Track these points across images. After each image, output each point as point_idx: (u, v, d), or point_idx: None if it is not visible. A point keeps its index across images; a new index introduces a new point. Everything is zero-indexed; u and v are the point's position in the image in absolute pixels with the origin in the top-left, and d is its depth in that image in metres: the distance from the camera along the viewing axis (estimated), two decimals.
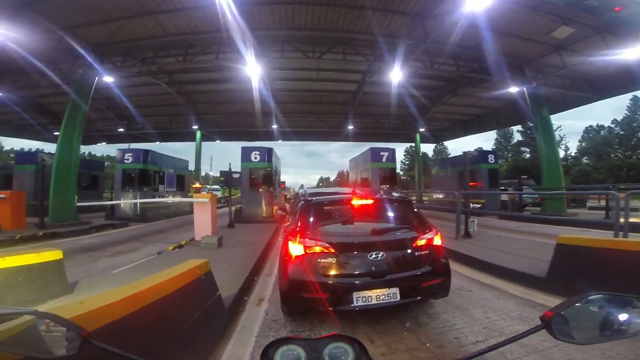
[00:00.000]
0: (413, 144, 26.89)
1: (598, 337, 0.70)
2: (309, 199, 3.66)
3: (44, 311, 0.66)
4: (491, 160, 15.45)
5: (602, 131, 43.43)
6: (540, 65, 12.59)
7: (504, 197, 14.60)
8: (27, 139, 23.93)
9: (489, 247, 6.02)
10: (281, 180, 20.45)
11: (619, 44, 9.53)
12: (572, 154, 44.86)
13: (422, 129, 22.66)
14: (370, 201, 3.47)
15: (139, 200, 12.51)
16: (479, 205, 13.13)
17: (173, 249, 6.73)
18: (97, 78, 11.23)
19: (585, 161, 42.00)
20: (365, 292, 2.84)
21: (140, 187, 13.63)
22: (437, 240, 3.25)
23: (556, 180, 12.89)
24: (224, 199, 17.42)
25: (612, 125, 42.34)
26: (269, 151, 12.68)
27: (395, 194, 3.96)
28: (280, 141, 26.00)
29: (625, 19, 7.75)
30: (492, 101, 18.26)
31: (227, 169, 11.50)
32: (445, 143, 53.05)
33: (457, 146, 56.71)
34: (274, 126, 21.47)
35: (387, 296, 2.86)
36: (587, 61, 11.20)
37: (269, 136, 23.78)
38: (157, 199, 12.42)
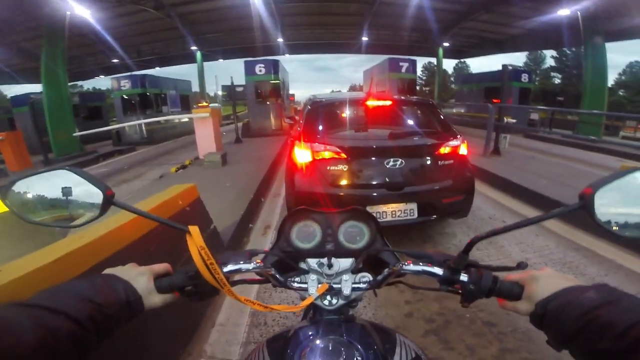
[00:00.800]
0: (433, 60, 24.36)
1: None
2: (318, 100, 3.17)
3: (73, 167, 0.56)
4: (524, 79, 13.92)
5: None
6: None
7: (534, 115, 13.67)
8: (27, 83, 22.92)
9: (523, 168, 5.28)
10: (290, 93, 19.47)
11: None
12: (609, 86, 41.00)
13: (446, 44, 20.24)
14: (388, 102, 2.95)
15: (137, 122, 11.95)
16: (514, 121, 12.07)
17: (176, 171, 6.35)
18: (68, 13, 10.04)
19: (621, 93, 38.51)
20: (380, 206, 2.51)
21: (143, 110, 13.34)
22: (463, 150, 2.79)
23: (600, 103, 11.90)
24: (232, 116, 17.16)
25: None
26: (275, 63, 11.83)
27: (418, 97, 3.41)
28: (287, 55, 23.81)
29: None
30: (529, 22, 15.59)
31: (230, 84, 10.47)
32: (468, 61, 48.91)
33: (479, 65, 52.12)
34: (280, 39, 19.32)
35: (404, 212, 2.53)
36: None
37: (275, 51, 21.63)
38: (156, 120, 11.85)
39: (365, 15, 16.45)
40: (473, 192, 2.84)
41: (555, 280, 0.51)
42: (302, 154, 2.66)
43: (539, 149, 7.95)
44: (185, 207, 2.00)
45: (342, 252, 0.69)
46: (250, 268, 0.64)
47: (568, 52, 35.63)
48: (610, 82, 41.38)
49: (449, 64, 55.68)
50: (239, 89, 11.09)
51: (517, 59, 47.54)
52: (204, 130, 6.88)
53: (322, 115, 3.00)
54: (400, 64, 14.24)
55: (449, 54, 23.96)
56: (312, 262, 0.67)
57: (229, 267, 0.62)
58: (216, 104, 7.96)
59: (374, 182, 2.58)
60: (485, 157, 6.11)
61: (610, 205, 0.51)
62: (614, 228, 0.51)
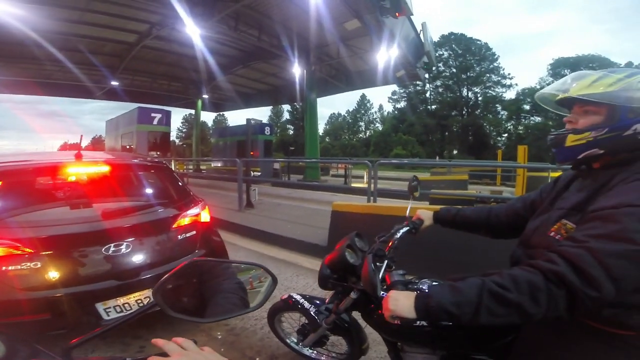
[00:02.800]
0: (193, 111, 24.69)
1: None
2: None
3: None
4: (267, 132, 16.57)
5: (339, 118, 58.27)
6: (321, 53, 14.12)
7: (276, 165, 16.05)
8: None
9: (274, 217, 5.94)
10: None
11: (376, 48, 11.41)
12: (319, 134, 57.67)
13: (205, 96, 21.08)
14: (104, 168, 2.30)
15: None
16: (259, 173, 13.63)
17: None
18: None
19: (327, 140, 54.86)
20: (118, 299, 1.98)
21: None
22: (205, 216, 2.58)
23: (315, 152, 15.53)
24: None
25: (346, 114, 57.76)
26: None
27: (148, 159, 2.92)
28: None
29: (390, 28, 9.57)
30: (274, 79, 19.18)
31: None
32: (227, 114, 53.73)
33: (235, 118, 58.58)
34: None
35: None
36: (353, 56, 13.48)
37: None
38: None
39: (123, 57, 14.41)
40: (226, 255, 2.71)
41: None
42: None
43: (283, 195, 9.29)
44: None
45: None
46: None
47: (298, 106, 44.90)
48: (321, 131, 58.27)
49: (209, 117, 59.07)
50: None
51: (265, 112, 57.56)
52: None
53: None
54: (152, 114, 13.38)
55: (209, 107, 24.80)
56: None
57: None
58: None
59: (95, 275, 1.95)
60: (241, 212, 6.42)
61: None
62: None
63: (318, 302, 1.60)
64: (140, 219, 2.22)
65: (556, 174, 1.89)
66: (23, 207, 2.07)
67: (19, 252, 1.77)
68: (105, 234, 2.00)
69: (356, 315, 1.41)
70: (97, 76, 16.56)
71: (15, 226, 1.88)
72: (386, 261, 1.13)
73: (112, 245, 1.98)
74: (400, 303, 0.87)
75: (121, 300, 1.98)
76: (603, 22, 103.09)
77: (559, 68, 38.64)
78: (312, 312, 1.57)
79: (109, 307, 1.91)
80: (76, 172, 2.20)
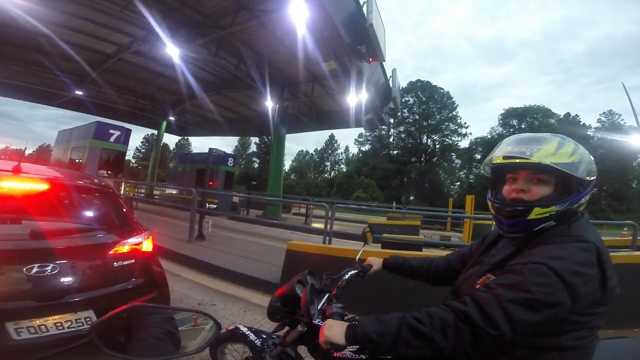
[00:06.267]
0: (156, 131, 23.91)
1: None
2: None
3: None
4: (230, 163, 16.28)
5: (307, 156, 58.95)
6: (295, 90, 14.58)
7: (235, 199, 15.75)
8: None
9: (225, 250, 5.76)
10: None
11: (348, 90, 11.97)
12: (285, 170, 57.72)
13: (172, 118, 20.62)
14: (43, 186, 2.19)
15: None
16: (214, 206, 13.22)
17: None
18: None
19: (292, 177, 55.07)
20: (33, 320, 1.90)
21: None
22: (147, 245, 2.55)
23: (278, 189, 15.34)
24: None
25: (313, 153, 58.66)
26: None
27: (95, 180, 2.79)
28: None
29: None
30: (246, 109, 19.34)
31: None
32: (191, 139, 52.44)
33: (200, 144, 57.30)
34: None
35: (77, 322, 2.05)
36: (326, 96, 14.07)
37: None
38: None
39: (96, 67, 13.88)
40: (166, 286, 2.61)
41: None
42: None
43: (239, 229, 9.05)
44: None
45: None
46: None
47: (266, 140, 45.18)
48: (287, 167, 58.09)
49: (172, 139, 57.16)
50: None
51: (232, 142, 56.71)
52: None
53: None
54: (111, 131, 12.54)
55: (173, 129, 24.20)
56: None
57: None
58: None
59: (8, 293, 1.84)
60: (191, 243, 6.16)
61: None
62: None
63: (264, 335, 1.59)
64: (74, 242, 2.14)
65: None
66: None
67: None
68: (30, 253, 1.93)
69: (303, 352, 1.41)
70: (61, 82, 15.78)
71: None
72: (327, 294, 1.26)
73: (36, 265, 1.90)
74: (334, 330, 0.95)
75: (37, 322, 1.89)
76: (549, 74, 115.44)
77: (508, 118, 42.48)
78: (257, 344, 1.55)
79: (21, 327, 1.82)
80: (11, 186, 2.04)
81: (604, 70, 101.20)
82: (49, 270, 1.93)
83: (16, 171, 2.06)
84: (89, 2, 9.39)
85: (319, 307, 1.18)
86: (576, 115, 41.49)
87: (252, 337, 1.60)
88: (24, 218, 2.15)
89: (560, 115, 41.30)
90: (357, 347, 1.11)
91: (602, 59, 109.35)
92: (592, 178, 0.98)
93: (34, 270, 1.89)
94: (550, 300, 0.82)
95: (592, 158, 1.00)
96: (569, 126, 36.64)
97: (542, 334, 0.89)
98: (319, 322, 1.08)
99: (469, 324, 0.83)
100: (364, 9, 8.54)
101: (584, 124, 40.11)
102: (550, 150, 0.95)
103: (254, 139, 52.63)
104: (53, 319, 1.94)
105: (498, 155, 1.05)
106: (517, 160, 0.98)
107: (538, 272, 0.85)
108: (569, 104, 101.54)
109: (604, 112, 39.77)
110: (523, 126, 41.04)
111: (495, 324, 0.82)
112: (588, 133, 36.89)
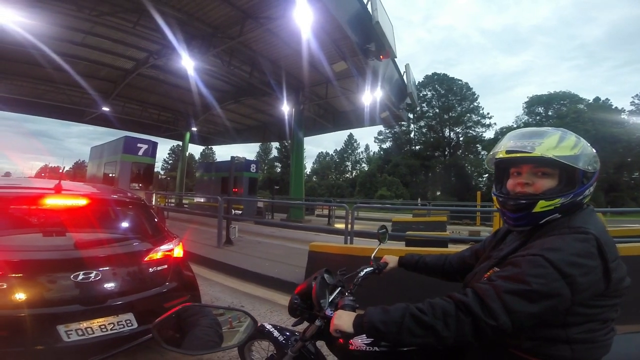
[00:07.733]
0: (181, 143, 24.88)
1: None
2: None
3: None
4: (253, 169, 16.61)
5: (327, 157, 58.99)
6: (311, 92, 14.73)
7: (260, 204, 16.07)
8: None
9: (252, 254, 5.96)
10: None
11: (362, 89, 11.94)
12: (307, 173, 58.00)
13: (194, 129, 21.33)
14: (82, 202, 2.45)
15: None
16: (240, 212, 13.59)
17: None
18: None
19: (314, 179, 55.23)
20: (81, 323, 2.08)
21: None
22: (178, 251, 2.74)
23: (300, 192, 15.58)
24: None
25: (333, 154, 58.58)
26: None
27: (128, 194, 3.01)
28: None
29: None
30: (264, 116, 19.71)
31: None
32: (214, 148, 53.90)
33: (223, 153, 58.75)
34: None
35: (119, 324, 2.22)
36: (340, 97, 14.13)
37: None
38: None
39: (118, 84, 14.69)
40: (197, 289, 2.79)
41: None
42: None
43: (265, 233, 9.30)
44: None
45: None
46: None
47: (286, 144, 44.98)
48: (308, 169, 58.28)
49: (197, 149, 59.08)
50: None
51: (253, 148, 57.79)
52: None
53: None
54: (139, 145, 13.22)
55: (197, 140, 24.98)
56: None
57: None
58: None
59: (60, 299, 2.06)
60: (220, 248, 6.41)
61: None
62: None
63: (287, 332, 1.69)
64: (113, 250, 2.35)
65: None
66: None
67: None
68: (76, 262, 2.13)
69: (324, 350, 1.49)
70: (88, 100, 16.72)
71: None
72: (339, 288, 1.35)
73: (81, 272, 2.10)
74: (343, 319, 1.02)
75: (84, 324, 2.08)
76: (571, 59, 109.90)
77: (533, 106, 40.69)
78: (281, 340, 1.65)
79: (71, 330, 2.00)
80: (54, 203, 2.30)
81: (629, 53, 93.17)
82: (93, 277, 2.14)
83: (58, 190, 2.32)
84: (100, 20, 9.82)
85: (330, 300, 1.26)
86: (607, 99, 38.98)
87: (276, 333, 1.69)
88: (68, 231, 2.38)
89: (589, 100, 38.81)
90: (372, 339, 1.18)
91: (625, 41, 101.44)
92: (594, 170, 0.99)
93: (80, 277, 2.09)
94: (547, 291, 0.84)
95: (594, 151, 1.02)
96: (599, 111, 34.43)
97: (550, 326, 0.90)
98: (331, 313, 1.16)
99: (469, 315, 0.86)
100: (369, 7, 8.50)
101: (615, 107, 37.50)
102: (552, 144, 0.96)
103: (275, 144, 53.33)
104: (98, 322, 2.12)
105: (501, 150, 1.06)
106: (520, 154, 1.00)
107: (535, 264, 0.86)
108: (597, 88, 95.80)
109: (637, 95, 37.05)
110: (550, 113, 39.07)
111: (494, 315, 0.84)
112: (622, 117, 34.53)
